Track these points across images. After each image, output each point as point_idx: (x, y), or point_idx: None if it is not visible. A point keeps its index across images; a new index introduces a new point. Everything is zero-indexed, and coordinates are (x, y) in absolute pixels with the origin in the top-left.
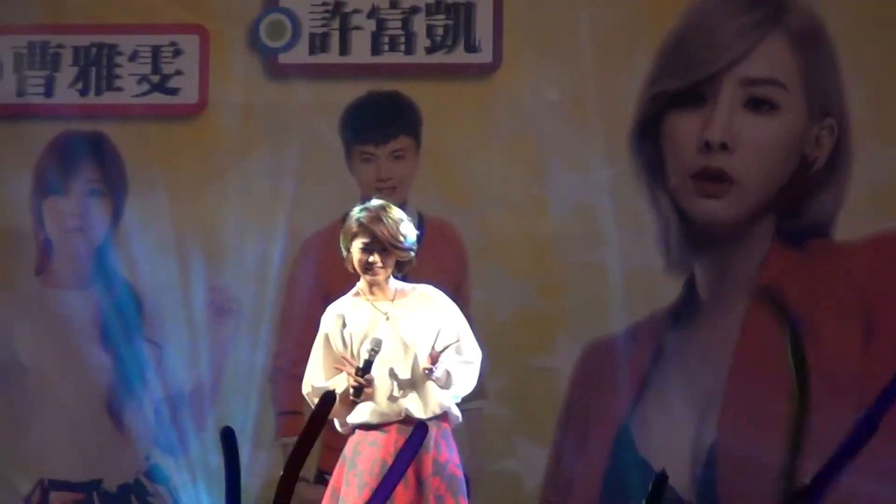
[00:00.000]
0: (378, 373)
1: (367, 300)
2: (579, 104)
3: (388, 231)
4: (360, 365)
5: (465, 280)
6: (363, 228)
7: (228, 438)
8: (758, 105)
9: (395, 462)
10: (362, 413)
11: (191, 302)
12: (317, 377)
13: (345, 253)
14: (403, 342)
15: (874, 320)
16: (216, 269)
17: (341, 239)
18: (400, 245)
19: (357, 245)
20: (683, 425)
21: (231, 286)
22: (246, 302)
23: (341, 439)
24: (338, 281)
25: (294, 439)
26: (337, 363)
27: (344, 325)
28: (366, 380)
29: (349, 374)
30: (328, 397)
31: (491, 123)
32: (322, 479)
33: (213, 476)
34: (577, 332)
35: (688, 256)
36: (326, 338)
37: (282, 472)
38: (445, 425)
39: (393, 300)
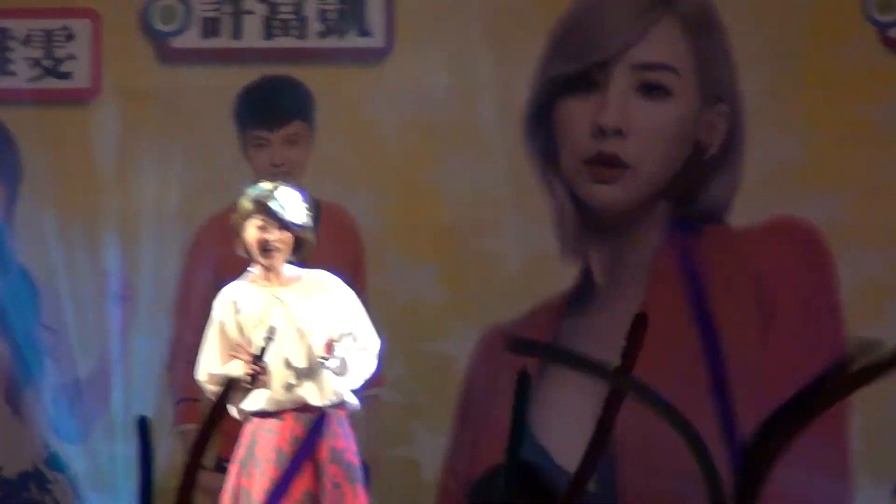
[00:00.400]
0: (273, 360)
1: (262, 286)
2: (472, 89)
3: (285, 208)
4: (256, 352)
5: (361, 267)
6: (258, 206)
7: (143, 428)
8: (651, 90)
9: (295, 456)
10: (258, 400)
11: (86, 288)
12: (212, 364)
13: (239, 236)
14: (298, 329)
15: (770, 307)
16: (111, 256)
17: (233, 222)
18: (297, 223)
19: (253, 224)
20: (582, 413)
21: (126, 272)
22: (141, 288)
23: (240, 426)
24: (234, 266)
25: (192, 426)
26: (232, 350)
27: (237, 311)
28: (261, 367)
29: (244, 361)
30: (230, 383)
31: (385, 108)
32: (221, 466)
33: (113, 464)
34: (475, 318)
35: (584, 243)
36: (221, 325)
37: (185, 461)
38: (341, 413)
39: (288, 286)
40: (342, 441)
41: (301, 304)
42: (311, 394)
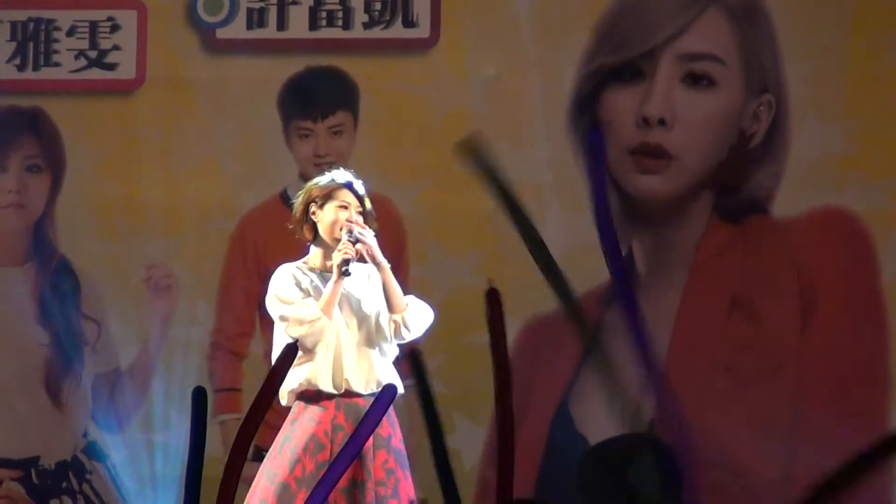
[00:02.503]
0: (322, 343)
1: (319, 272)
2: (517, 80)
3: (362, 193)
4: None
5: (404, 257)
6: (342, 187)
7: (199, 400)
8: (696, 80)
9: (357, 429)
10: (302, 382)
11: (128, 278)
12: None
13: (309, 216)
14: (352, 313)
15: (812, 297)
16: (154, 246)
17: (303, 202)
18: (369, 209)
19: (334, 204)
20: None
21: (169, 262)
22: (184, 278)
23: (277, 416)
24: (276, 257)
25: (233, 416)
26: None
27: (298, 285)
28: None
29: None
30: (289, 350)
31: (429, 99)
32: (260, 456)
33: (152, 453)
34: (516, 309)
35: (626, 233)
36: (294, 279)
37: (238, 430)
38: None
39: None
40: (388, 428)
41: (357, 291)
42: (357, 380)
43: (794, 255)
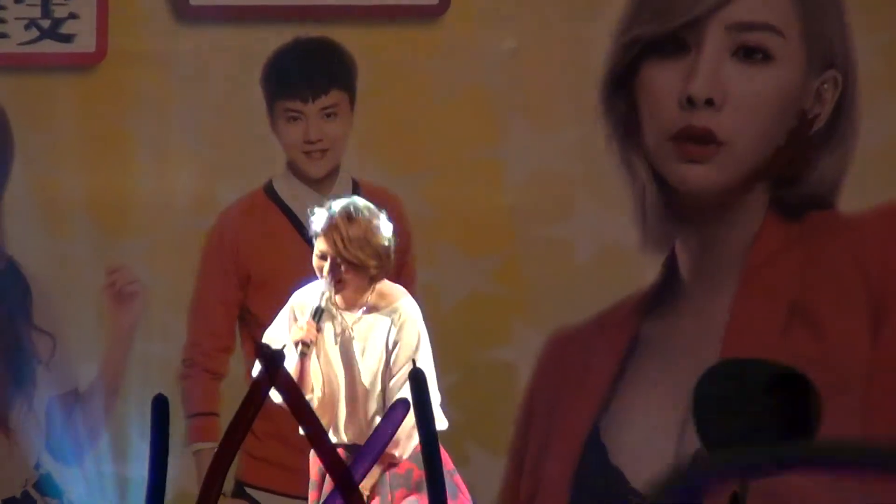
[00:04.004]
0: (321, 396)
1: (333, 305)
2: (542, 53)
3: (346, 243)
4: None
5: (409, 259)
6: (322, 234)
7: (159, 408)
8: (749, 54)
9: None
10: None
11: (87, 285)
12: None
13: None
14: (351, 365)
15: (883, 305)
16: (117, 247)
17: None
18: (360, 261)
19: (316, 250)
20: (663, 428)
21: (134, 266)
22: (152, 285)
23: (264, 448)
24: (260, 260)
25: (208, 445)
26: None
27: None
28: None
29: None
30: (276, 357)
31: (438, 76)
32: (242, 491)
33: (115, 488)
34: (540, 320)
35: (668, 231)
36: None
37: (216, 449)
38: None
39: (360, 314)
40: (405, 464)
41: (362, 340)
42: (358, 436)
43: (862, 258)
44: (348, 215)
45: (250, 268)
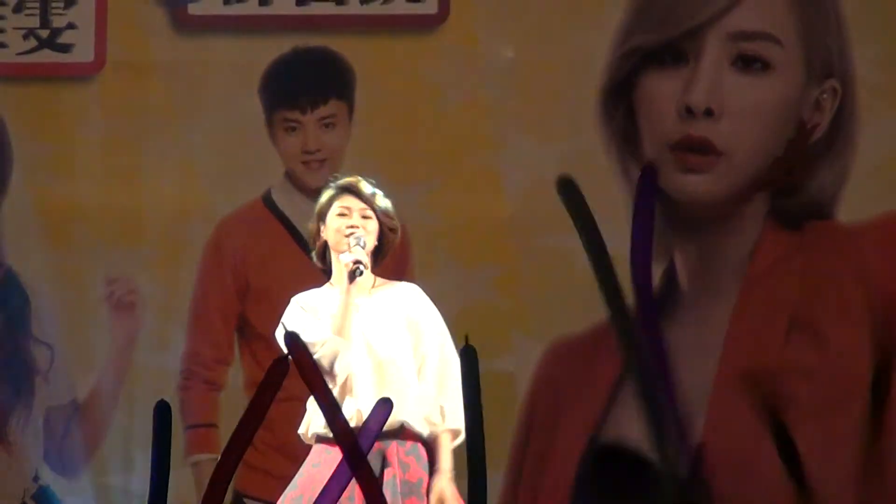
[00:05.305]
0: (340, 363)
1: (338, 290)
2: (541, 62)
3: (373, 197)
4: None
5: (407, 269)
6: (339, 192)
7: (162, 415)
8: (748, 64)
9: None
10: (317, 422)
11: (86, 295)
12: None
13: (316, 240)
14: (369, 343)
15: (887, 316)
16: (116, 257)
17: (311, 227)
18: (385, 212)
19: (334, 212)
20: None
21: (133, 276)
22: (150, 294)
23: (263, 457)
24: (258, 269)
25: (208, 457)
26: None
27: (303, 311)
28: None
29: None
30: (280, 365)
31: (437, 85)
32: (241, 502)
33: (115, 501)
34: (539, 330)
35: (667, 241)
36: (300, 310)
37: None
38: (410, 442)
39: (371, 292)
40: (417, 471)
41: (379, 318)
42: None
43: (864, 268)
44: (367, 184)
45: (249, 278)
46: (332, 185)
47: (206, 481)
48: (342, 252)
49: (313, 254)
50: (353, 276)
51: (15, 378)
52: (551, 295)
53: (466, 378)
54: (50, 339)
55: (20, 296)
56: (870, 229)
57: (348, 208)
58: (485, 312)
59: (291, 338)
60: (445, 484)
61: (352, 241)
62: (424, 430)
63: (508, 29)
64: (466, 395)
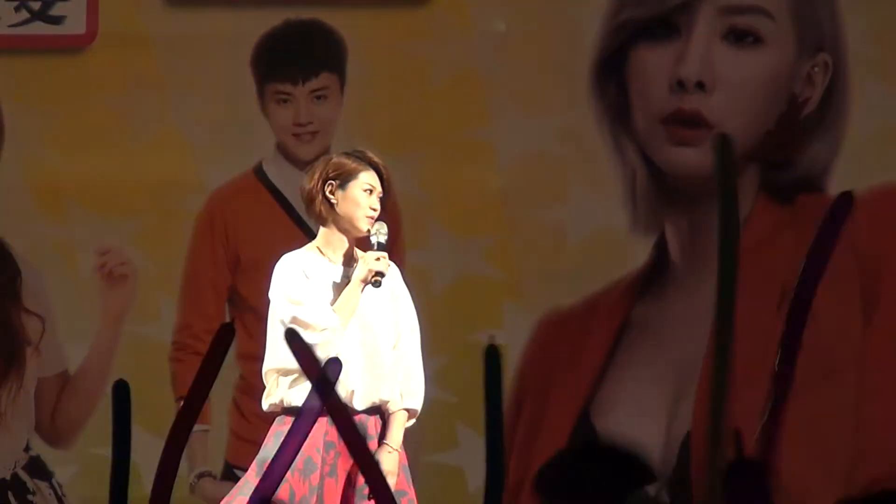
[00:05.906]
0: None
1: (328, 259)
2: (531, 36)
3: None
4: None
5: (398, 241)
6: (368, 167)
7: (120, 397)
8: (740, 37)
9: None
10: (297, 395)
11: (77, 266)
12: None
13: (325, 195)
14: (361, 322)
15: (877, 287)
16: (107, 229)
17: (321, 177)
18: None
19: (358, 186)
20: (654, 410)
21: (125, 248)
22: (142, 266)
23: (252, 429)
24: (249, 241)
25: (200, 428)
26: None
27: (306, 278)
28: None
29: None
30: (226, 329)
31: (428, 58)
32: (231, 473)
33: (105, 470)
34: (530, 302)
35: (658, 214)
36: (302, 273)
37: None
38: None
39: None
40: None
41: (369, 296)
42: (355, 392)
43: (854, 241)
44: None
45: (240, 250)
46: (356, 153)
47: (199, 453)
48: (355, 227)
49: (308, 202)
50: (368, 283)
51: (6, 349)
52: (542, 267)
53: (489, 377)
54: (41, 311)
55: (11, 267)
56: (861, 203)
57: (373, 187)
58: (476, 284)
59: (292, 335)
60: (385, 456)
61: (373, 238)
62: (397, 406)
63: (499, 2)
64: (489, 394)
